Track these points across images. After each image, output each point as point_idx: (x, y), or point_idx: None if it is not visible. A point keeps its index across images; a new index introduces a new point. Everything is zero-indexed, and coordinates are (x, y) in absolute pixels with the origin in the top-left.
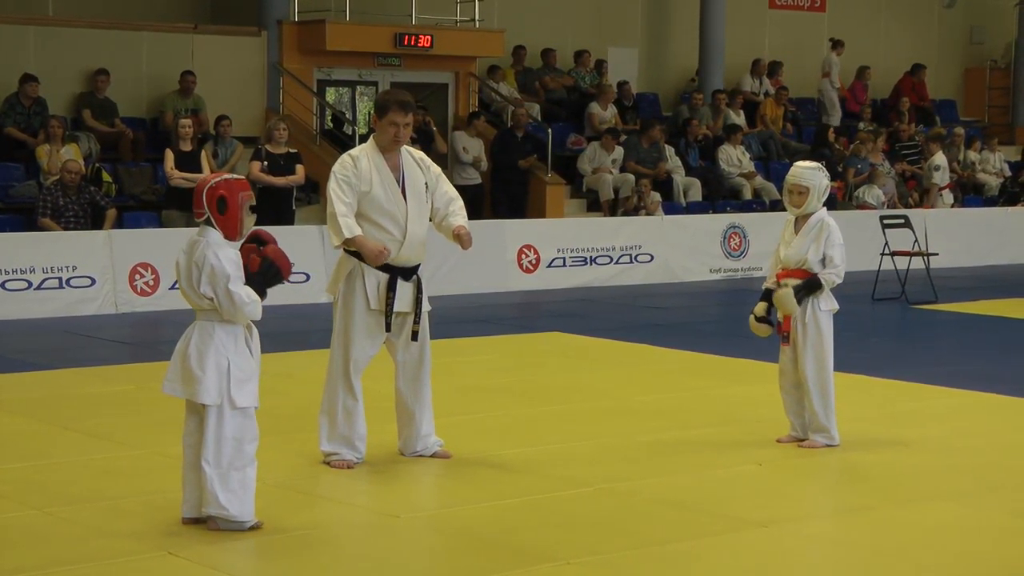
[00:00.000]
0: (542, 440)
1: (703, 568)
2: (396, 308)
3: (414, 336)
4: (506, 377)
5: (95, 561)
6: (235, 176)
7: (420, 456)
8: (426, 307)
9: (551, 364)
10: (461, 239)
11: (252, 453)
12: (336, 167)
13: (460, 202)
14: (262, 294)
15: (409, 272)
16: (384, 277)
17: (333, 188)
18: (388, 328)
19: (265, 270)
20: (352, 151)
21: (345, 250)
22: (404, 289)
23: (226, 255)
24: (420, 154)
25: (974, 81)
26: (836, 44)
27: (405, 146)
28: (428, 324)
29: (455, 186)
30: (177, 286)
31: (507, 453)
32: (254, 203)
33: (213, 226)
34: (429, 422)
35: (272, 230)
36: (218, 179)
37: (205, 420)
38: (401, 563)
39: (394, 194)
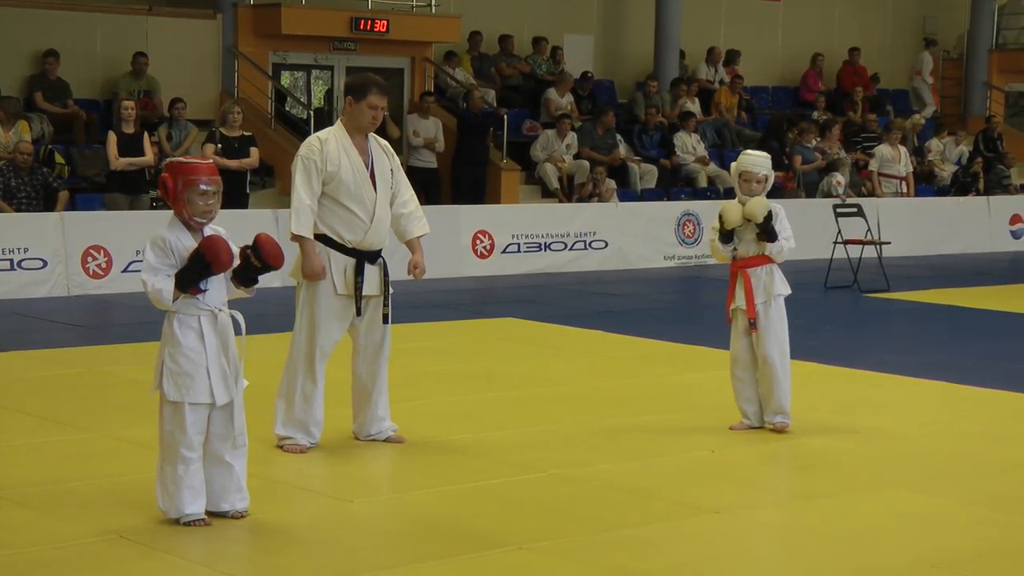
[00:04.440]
0: (495, 426)
1: (655, 554)
2: (364, 292)
3: (385, 319)
4: (460, 363)
5: (45, 544)
6: (190, 159)
7: (374, 440)
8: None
9: (505, 350)
10: (415, 272)
11: (188, 453)
12: (302, 149)
13: (418, 204)
14: (187, 285)
15: (374, 255)
16: (351, 262)
17: (299, 174)
18: (359, 312)
19: (194, 261)
20: (319, 133)
21: (315, 235)
22: (371, 273)
23: (155, 242)
24: (384, 142)
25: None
26: (930, 43)
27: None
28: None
29: (410, 168)
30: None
31: (460, 438)
32: (209, 187)
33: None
34: (385, 406)
35: (225, 214)
36: (170, 161)
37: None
38: (354, 548)
39: (363, 179)
